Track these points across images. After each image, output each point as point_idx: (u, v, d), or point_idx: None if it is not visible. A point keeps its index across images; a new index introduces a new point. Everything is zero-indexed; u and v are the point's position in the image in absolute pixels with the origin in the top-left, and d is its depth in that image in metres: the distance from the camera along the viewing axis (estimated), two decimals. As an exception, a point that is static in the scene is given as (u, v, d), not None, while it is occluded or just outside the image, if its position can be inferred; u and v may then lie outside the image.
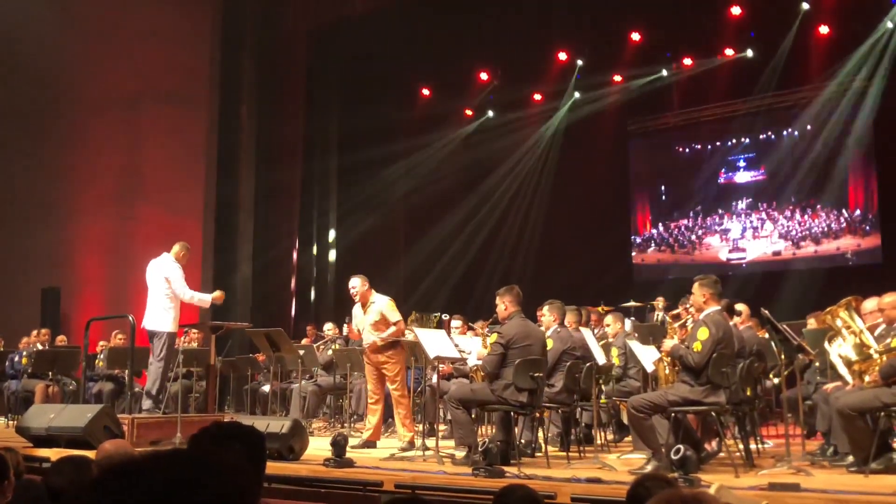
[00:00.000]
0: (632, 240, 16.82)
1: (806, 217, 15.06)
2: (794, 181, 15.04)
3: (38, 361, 10.84)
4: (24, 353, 11.49)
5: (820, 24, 14.15)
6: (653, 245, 16.66)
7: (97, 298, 14.97)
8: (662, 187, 16.79)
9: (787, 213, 15.28)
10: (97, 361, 11.65)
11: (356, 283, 8.39)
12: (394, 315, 8.22)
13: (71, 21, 14.63)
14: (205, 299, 8.87)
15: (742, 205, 15.80)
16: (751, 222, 15.70)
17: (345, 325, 12.71)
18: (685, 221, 16.34)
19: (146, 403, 8.47)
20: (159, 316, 8.55)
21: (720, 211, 16.02)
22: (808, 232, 15.01)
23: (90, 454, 4.32)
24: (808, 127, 14.83)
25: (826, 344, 6.75)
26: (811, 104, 14.68)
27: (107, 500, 1.01)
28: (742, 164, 15.82)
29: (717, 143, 16.06)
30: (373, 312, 8.25)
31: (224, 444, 2.36)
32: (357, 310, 8.46)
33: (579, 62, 16.23)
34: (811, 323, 8.43)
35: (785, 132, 15.32)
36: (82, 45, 14.72)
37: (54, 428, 7.37)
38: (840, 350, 6.49)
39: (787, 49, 14.36)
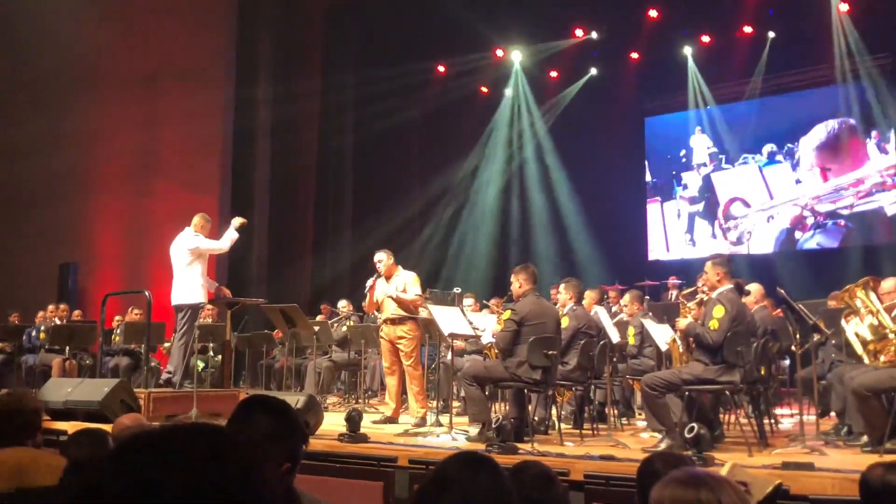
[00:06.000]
0: (647, 219, 16.72)
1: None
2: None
3: (55, 336, 10.90)
4: (42, 328, 11.58)
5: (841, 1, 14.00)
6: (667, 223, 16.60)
7: (114, 274, 15.03)
8: (678, 167, 16.67)
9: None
10: (113, 336, 11.73)
11: (382, 257, 8.59)
12: (415, 289, 8.45)
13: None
14: (233, 236, 8.86)
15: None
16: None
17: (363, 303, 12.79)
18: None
19: (176, 377, 8.53)
20: (184, 290, 8.59)
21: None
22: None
23: (107, 427, 4.37)
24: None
25: (843, 323, 6.73)
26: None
27: (124, 472, 1.01)
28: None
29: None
30: (397, 284, 8.41)
31: (254, 419, 2.39)
32: (381, 282, 8.58)
33: (594, 34, 16.06)
34: (831, 303, 8.39)
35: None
36: (100, 22, 14.70)
37: (72, 401, 7.45)
38: (856, 329, 6.47)
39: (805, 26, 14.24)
